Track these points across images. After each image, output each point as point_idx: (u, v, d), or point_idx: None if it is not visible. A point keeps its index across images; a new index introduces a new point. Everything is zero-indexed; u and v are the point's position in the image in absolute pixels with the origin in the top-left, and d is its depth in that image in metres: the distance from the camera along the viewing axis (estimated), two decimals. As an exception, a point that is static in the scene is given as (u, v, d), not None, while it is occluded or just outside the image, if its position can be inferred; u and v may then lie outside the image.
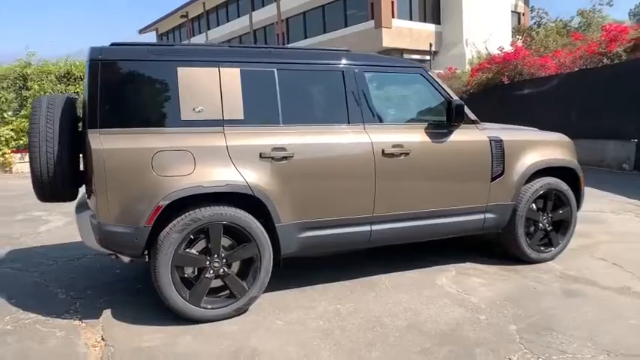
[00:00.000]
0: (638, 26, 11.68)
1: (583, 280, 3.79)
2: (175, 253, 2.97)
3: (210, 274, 3.08)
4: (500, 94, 13.27)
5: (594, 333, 2.90)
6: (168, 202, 2.91)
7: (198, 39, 37.47)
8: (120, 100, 2.98)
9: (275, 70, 3.30)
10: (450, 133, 3.73)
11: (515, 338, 2.87)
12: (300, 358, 2.67)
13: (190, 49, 3.28)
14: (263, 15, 31.65)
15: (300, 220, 3.29)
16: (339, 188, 3.40)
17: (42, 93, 11.39)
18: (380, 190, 3.49)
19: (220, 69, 3.16)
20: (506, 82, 13.22)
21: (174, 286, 2.99)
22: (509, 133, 4.07)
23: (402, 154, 3.53)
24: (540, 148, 4.14)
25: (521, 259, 4.14)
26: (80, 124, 3.24)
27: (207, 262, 3.08)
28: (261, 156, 3.15)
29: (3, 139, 11.24)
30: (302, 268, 4.05)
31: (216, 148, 3.07)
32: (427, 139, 3.66)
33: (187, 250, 3.05)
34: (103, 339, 2.92)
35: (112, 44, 3.12)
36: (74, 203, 3.47)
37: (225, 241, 3.16)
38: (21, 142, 11.36)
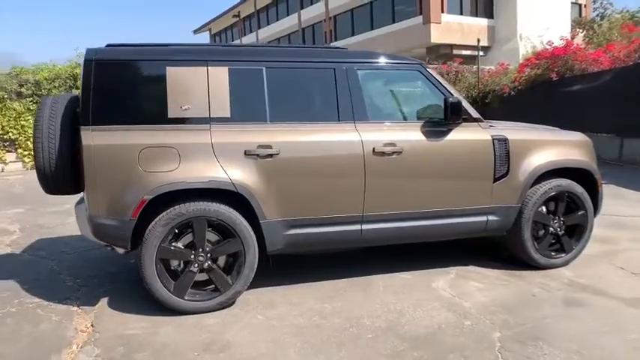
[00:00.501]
0: None
1: (592, 289, 3.56)
2: (160, 246, 3.08)
3: (194, 267, 3.17)
4: (549, 91, 12.62)
5: (585, 346, 2.72)
6: (152, 197, 3.03)
7: (249, 38, 38.32)
8: (111, 98, 3.13)
9: (264, 68, 3.33)
10: (448, 131, 3.61)
11: (495, 346, 2.74)
12: (266, 354, 2.70)
13: (181, 49, 3.38)
14: (312, 13, 31.85)
15: (286, 218, 3.31)
16: (326, 187, 3.39)
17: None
18: (370, 189, 3.44)
19: (209, 68, 3.24)
20: (554, 79, 12.54)
21: (159, 277, 3.11)
22: (517, 132, 3.88)
23: (394, 152, 3.46)
24: (552, 148, 3.92)
25: (530, 264, 3.95)
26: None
27: (192, 256, 3.17)
28: (246, 153, 3.20)
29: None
30: (299, 266, 4.07)
31: (201, 145, 3.15)
32: (422, 137, 3.56)
33: (173, 243, 3.15)
34: (92, 325, 3.08)
35: (107, 45, 3.28)
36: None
37: (212, 237, 3.24)
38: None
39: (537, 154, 3.81)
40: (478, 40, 17.54)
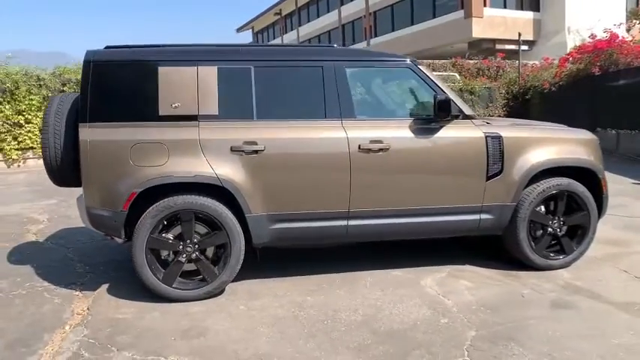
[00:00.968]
0: None
1: (586, 291, 3.45)
2: (149, 237, 3.27)
3: (182, 257, 3.34)
4: (591, 86, 12.05)
5: (557, 349, 2.67)
6: (141, 190, 3.21)
7: (290, 35, 38.70)
8: (106, 96, 3.34)
9: (252, 67, 3.44)
10: (438, 128, 3.59)
11: (464, 345, 2.74)
12: (238, 340, 2.82)
13: (173, 50, 3.55)
14: (352, 9, 31.78)
15: (272, 212, 3.41)
16: (312, 182, 3.46)
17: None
18: (356, 186, 3.48)
19: (199, 67, 3.38)
20: (597, 73, 11.95)
21: (149, 265, 3.29)
22: (513, 130, 3.80)
23: (380, 149, 3.48)
24: (551, 146, 3.81)
25: (528, 265, 3.86)
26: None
27: (180, 247, 3.33)
28: (232, 149, 3.32)
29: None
30: (293, 260, 4.17)
31: (189, 141, 3.30)
32: (410, 134, 3.56)
33: (162, 234, 3.33)
34: (88, 309, 3.31)
35: (106, 47, 3.49)
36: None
37: (201, 229, 3.39)
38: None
39: (534, 153, 3.72)
40: (519, 35, 16.94)
